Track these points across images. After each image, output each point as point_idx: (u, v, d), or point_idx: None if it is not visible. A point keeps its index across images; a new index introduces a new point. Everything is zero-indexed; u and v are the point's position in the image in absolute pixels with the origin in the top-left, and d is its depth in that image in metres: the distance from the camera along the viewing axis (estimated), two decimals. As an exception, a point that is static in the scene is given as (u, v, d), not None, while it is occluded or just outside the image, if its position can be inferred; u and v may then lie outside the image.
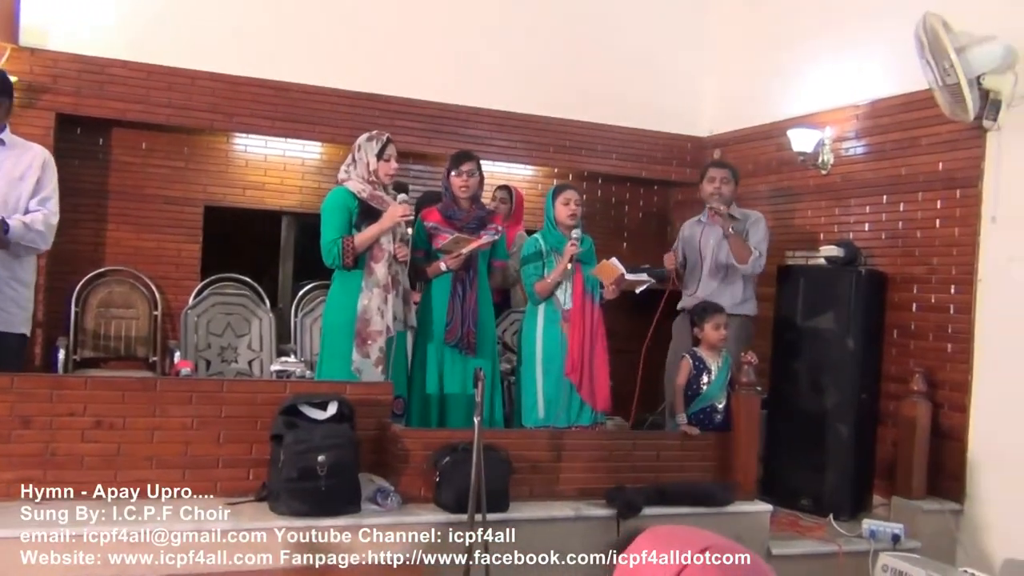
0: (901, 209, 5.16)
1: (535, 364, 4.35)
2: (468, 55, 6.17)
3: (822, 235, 5.56)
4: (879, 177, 5.30)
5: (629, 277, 4.31)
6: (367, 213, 4.04)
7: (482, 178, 4.37)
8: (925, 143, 5.02)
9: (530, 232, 5.62)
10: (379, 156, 4.09)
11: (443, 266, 4.22)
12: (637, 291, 4.42)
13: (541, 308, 4.40)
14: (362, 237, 4.01)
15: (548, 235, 4.46)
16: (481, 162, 4.39)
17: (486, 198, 5.13)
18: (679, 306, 5.03)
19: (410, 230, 4.13)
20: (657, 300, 4.84)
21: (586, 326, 4.35)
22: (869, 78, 5.39)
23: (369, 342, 4.00)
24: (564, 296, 4.37)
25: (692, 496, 4.04)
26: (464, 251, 4.17)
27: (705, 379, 4.48)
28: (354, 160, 4.12)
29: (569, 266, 4.29)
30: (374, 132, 4.17)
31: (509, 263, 5.19)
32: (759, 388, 4.44)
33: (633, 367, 4.55)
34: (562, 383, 4.31)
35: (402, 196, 4.12)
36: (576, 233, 4.35)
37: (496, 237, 4.30)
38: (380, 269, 4.02)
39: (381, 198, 4.07)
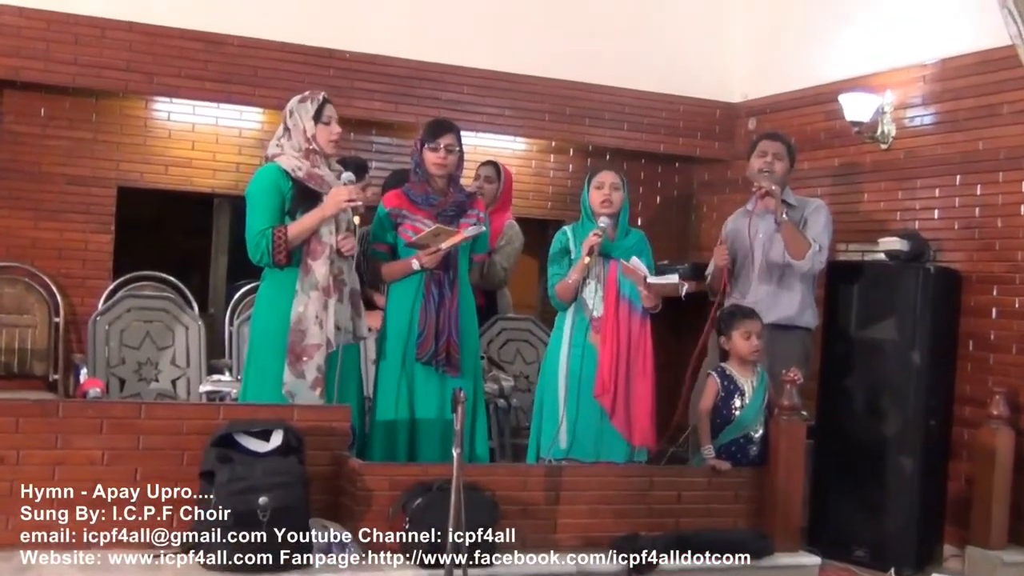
0: (978, 192, 5.18)
1: (558, 383, 4.35)
2: (446, 1, 6.16)
3: (881, 224, 5.58)
4: (951, 153, 5.32)
5: (653, 280, 4.32)
6: (304, 196, 3.98)
7: (462, 154, 4.36)
8: (1007, 111, 5.05)
9: (521, 221, 5.64)
10: (316, 118, 4.04)
11: (416, 264, 4.21)
12: (682, 295, 4.36)
13: (569, 315, 4.41)
14: (297, 227, 3.95)
15: (580, 228, 4.47)
16: (462, 134, 4.39)
17: (467, 178, 5.12)
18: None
19: (357, 218, 4.06)
20: (704, 308, 4.83)
21: (621, 338, 4.34)
22: (939, 31, 5.41)
23: (304, 358, 3.95)
24: (593, 301, 4.38)
25: (721, 546, 4.04)
26: (444, 246, 4.15)
27: (737, 402, 4.48)
28: (286, 129, 4.06)
29: (587, 260, 4.29)
30: (307, 92, 4.12)
31: (495, 258, 5.19)
32: (804, 413, 4.43)
33: (673, 391, 4.54)
34: (591, 407, 4.31)
35: (347, 175, 4.05)
36: (604, 221, 4.35)
37: (483, 229, 4.29)
38: (319, 267, 3.97)
39: (321, 178, 4.02)
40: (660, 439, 4.53)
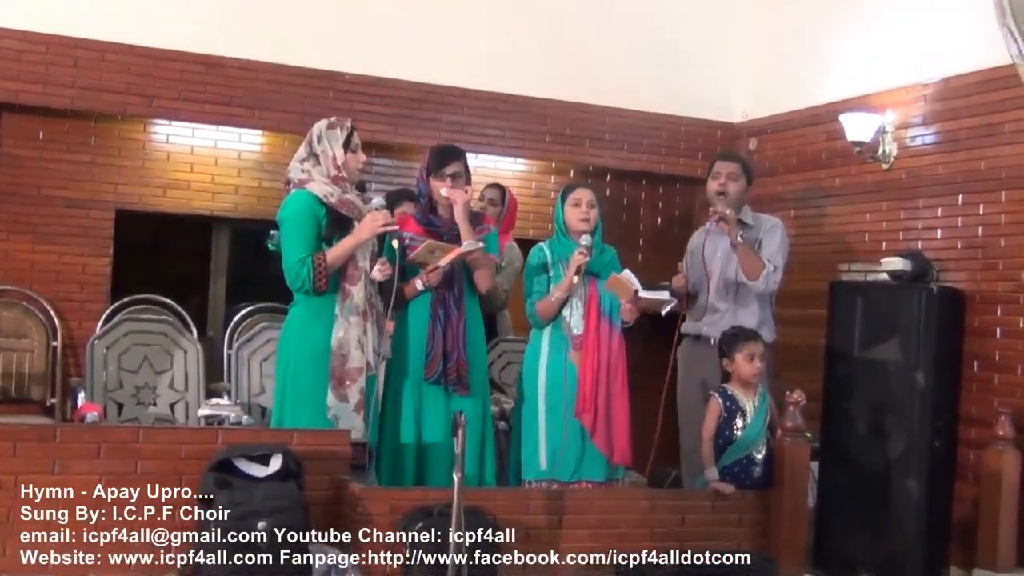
0: (980, 212, 5.18)
1: (537, 402, 4.35)
2: (447, 24, 6.19)
3: (884, 244, 5.59)
4: (953, 173, 5.33)
5: (645, 295, 4.32)
6: (338, 223, 4.04)
7: (470, 178, 4.37)
8: (1009, 131, 5.05)
9: (521, 242, 5.65)
10: (346, 147, 4.09)
11: (420, 284, 4.22)
12: (663, 312, 4.42)
13: (546, 333, 4.41)
14: (336, 253, 4.00)
15: (556, 244, 4.48)
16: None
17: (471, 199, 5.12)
18: (682, 330, 5.06)
19: (395, 241, 4.08)
20: (672, 327, 4.84)
21: (602, 356, 4.35)
22: (940, 51, 5.43)
23: (347, 382, 4.00)
24: (574, 318, 4.38)
25: (726, 570, 4.03)
26: (443, 262, 4.16)
27: (739, 423, 4.48)
28: (313, 155, 4.11)
29: (576, 279, 4.29)
30: (334, 119, 4.18)
31: (496, 280, 5.19)
32: (807, 434, 4.43)
33: (647, 408, 4.55)
34: (571, 427, 4.31)
35: (377, 200, 4.13)
36: (586, 239, 4.36)
37: (480, 245, 4.25)
38: (358, 292, 4.03)
39: (352, 203, 4.08)
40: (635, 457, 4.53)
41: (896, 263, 5.11)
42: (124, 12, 5.57)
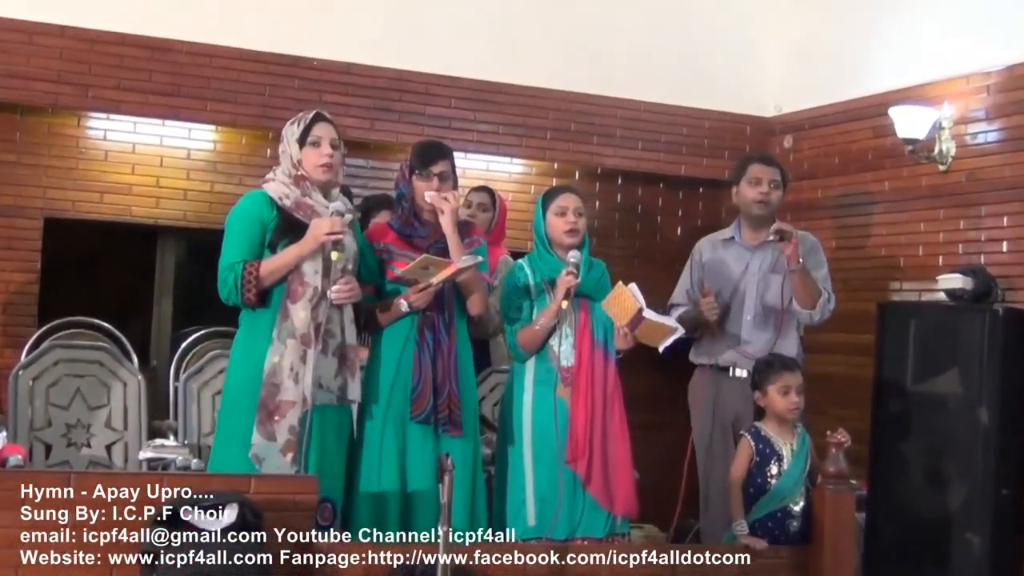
0: (1054, 221, 5.22)
1: (522, 447, 4.34)
2: (433, 3, 6.22)
3: (941, 259, 5.62)
4: (1021, 175, 5.35)
5: (651, 317, 4.28)
6: (289, 228, 4.03)
7: (456, 181, 4.38)
8: (1086, 127, 5.10)
9: (516, 256, 5.65)
10: (301, 141, 4.10)
11: (404, 305, 4.21)
12: (660, 347, 4.38)
13: (530, 366, 4.40)
14: (274, 263, 4.00)
15: (538, 261, 4.46)
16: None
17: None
18: (692, 358, 5.07)
19: (335, 254, 4.03)
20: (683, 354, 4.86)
21: (596, 392, 4.34)
22: (1004, 34, 5.46)
23: (276, 417, 3.97)
24: (562, 348, 4.37)
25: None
26: (435, 281, 4.16)
27: (774, 469, 4.48)
28: (280, 154, 4.17)
29: (564, 304, 4.28)
30: (301, 112, 4.20)
31: (489, 301, 5.19)
32: (853, 481, 4.43)
33: (660, 449, 4.54)
34: (562, 474, 4.30)
35: (335, 204, 4.06)
36: (575, 256, 4.35)
37: (479, 259, 4.26)
38: (299, 312, 4.00)
39: (311, 208, 4.07)
40: (643, 506, 4.50)
41: (955, 280, 5.13)
42: (56, -12, 5.61)
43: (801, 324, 4.98)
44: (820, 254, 5.04)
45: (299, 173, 4.09)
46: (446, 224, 4.21)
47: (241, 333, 4.14)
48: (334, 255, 4.01)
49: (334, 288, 4.03)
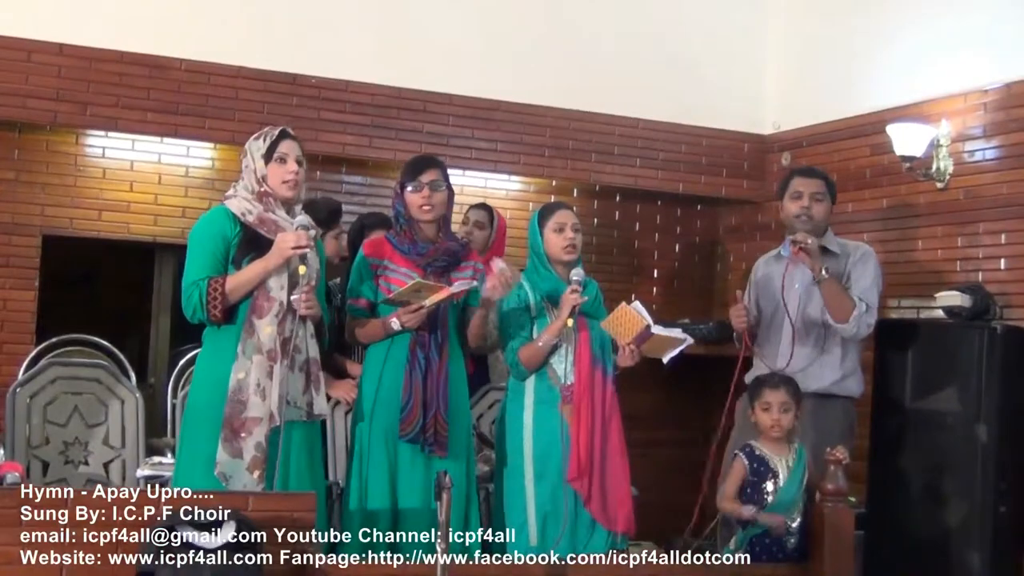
0: (1052, 238, 5.23)
1: (523, 466, 4.34)
2: (429, 19, 6.24)
3: (939, 276, 5.62)
4: (1018, 193, 5.37)
5: (658, 331, 4.31)
6: (252, 244, 4.03)
7: (451, 193, 4.41)
8: (1083, 144, 5.12)
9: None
10: (267, 157, 4.09)
11: (396, 324, 4.22)
12: (665, 359, 4.40)
13: (530, 384, 4.40)
14: (238, 279, 3.99)
15: (537, 278, 4.48)
16: (448, 171, 4.42)
17: (455, 223, 5.15)
18: (747, 378, 4.98)
19: (302, 268, 4.04)
20: (724, 370, 4.82)
21: (596, 410, 4.35)
22: (1001, 52, 5.48)
23: (242, 434, 3.95)
24: (563, 366, 4.38)
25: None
26: (428, 303, 4.18)
27: (770, 486, 4.46)
28: (243, 169, 4.17)
29: (570, 323, 4.30)
30: (266, 128, 4.20)
31: (488, 318, 5.21)
32: (851, 498, 4.43)
33: (658, 467, 4.54)
34: (564, 493, 4.31)
35: (300, 219, 4.04)
36: (578, 274, 4.36)
37: (474, 284, 4.29)
38: (265, 328, 3.99)
39: (275, 223, 4.06)
40: (645, 522, 4.52)
41: (953, 298, 5.12)
42: (54, 6, 5.61)
43: (853, 343, 4.84)
44: (868, 265, 4.86)
45: (263, 189, 4.09)
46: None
47: (205, 350, 4.13)
48: (301, 269, 4.02)
49: (297, 296, 3.98)
